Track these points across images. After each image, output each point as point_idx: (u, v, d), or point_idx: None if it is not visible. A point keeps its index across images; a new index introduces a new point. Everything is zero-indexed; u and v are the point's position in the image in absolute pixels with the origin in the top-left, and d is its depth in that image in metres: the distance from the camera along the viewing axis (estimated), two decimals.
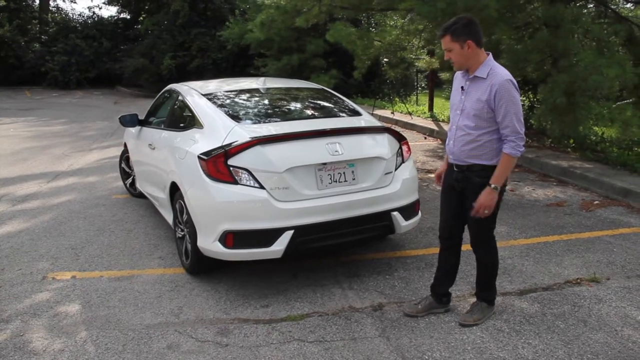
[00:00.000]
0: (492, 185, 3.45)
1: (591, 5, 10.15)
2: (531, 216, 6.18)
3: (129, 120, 6.47)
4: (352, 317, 3.96)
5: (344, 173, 4.40)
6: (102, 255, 5.29)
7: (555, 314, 3.92)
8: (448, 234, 3.89)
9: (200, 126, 4.80)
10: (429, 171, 8.60)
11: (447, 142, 3.77)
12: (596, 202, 6.64)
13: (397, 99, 16.98)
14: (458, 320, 3.87)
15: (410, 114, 14.28)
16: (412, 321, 3.87)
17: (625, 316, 3.89)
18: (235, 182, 4.15)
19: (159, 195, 5.56)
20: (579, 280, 4.46)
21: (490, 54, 3.54)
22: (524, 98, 12.14)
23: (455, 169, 3.71)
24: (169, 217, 5.32)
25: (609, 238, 5.45)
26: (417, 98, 18.02)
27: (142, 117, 6.58)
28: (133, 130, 6.81)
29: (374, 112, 14.58)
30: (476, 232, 3.73)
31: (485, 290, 3.89)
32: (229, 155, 4.20)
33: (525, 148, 9.04)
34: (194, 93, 5.39)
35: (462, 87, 3.63)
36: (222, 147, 4.26)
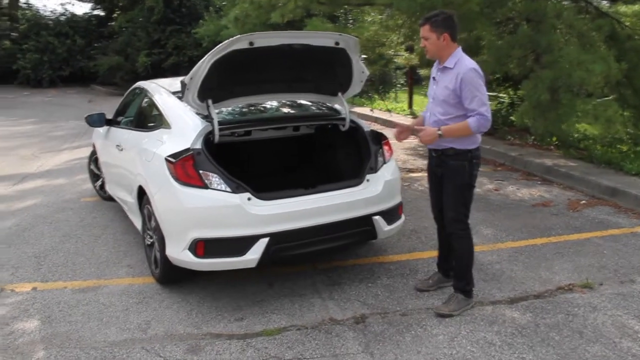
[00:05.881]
0: (439, 132, 3.66)
1: (567, 1, 9.97)
2: (517, 217, 5.97)
3: (96, 120, 6.14)
4: (332, 330, 3.69)
5: None
6: (66, 264, 4.96)
7: (549, 325, 3.69)
8: (437, 214, 4.10)
9: (167, 126, 4.50)
10: (410, 170, 8.37)
11: None
12: (583, 201, 6.45)
13: (376, 96, 16.74)
14: (433, 309, 3.91)
15: (389, 111, 14.05)
16: (397, 334, 3.62)
17: (622, 326, 3.67)
18: (206, 187, 3.86)
19: (127, 199, 5.25)
20: (571, 286, 4.25)
21: (460, 47, 3.78)
22: (505, 95, 12.00)
23: (433, 154, 3.96)
24: (137, 222, 5.01)
25: (598, 240, 5.26)
26: (396, 95, 17.80)
27: (110, 116, 6.26)
28: (101, 130, 6.48)
29: (353, 110, 14.34)
30: (450, 216, 3.88)
31: (460, 280, 3.96)
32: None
33: (508, 146, 8.99)
34: (162, 91, 5.09)
35: (433, 77, 3.90)
36: (190, 148, 3.97)
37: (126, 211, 5.60)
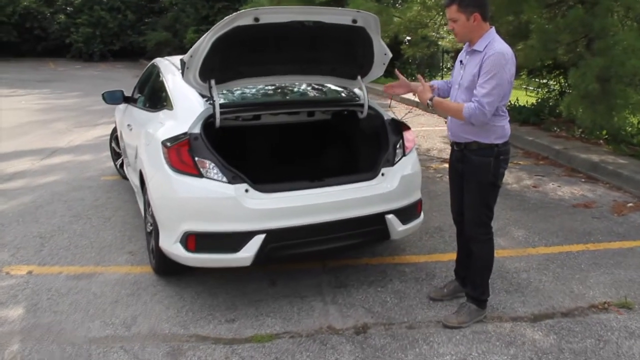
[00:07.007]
0: (429, 102, 3.40)
1: None
2: (554, 219, 5.44)
3: (113, 97, 5.90)
4: (328, 341, 3.33)
5: None
6: (68, 247, 4.76)
7: (575, 351, 3.21)
8: (458, 215, 3.72)
9: (170, 107, 4.20)
10: (445, 160, 7.87)
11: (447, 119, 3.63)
12: (630, 204, 5.84)
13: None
14: (441, 320, 3.54)
15: None
16: (399, 351, 3.23)
17: None
18: (200, 175, 3.54)
19: (135, 182, 5.01)
20: (606, 304, 3.74)
21: (493, 27, 3.33)
22: (554, 83, 11.29)
23: (455, 147, 3.59)
24: (142, 207, 4.75)
25: None
26: (442, 79, 17.18)
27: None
28: (121, 106, 6.27)
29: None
30: (471, 217, 3.51)
31: (475, 289, 3.58)
32: None
33: (553, 138, 8.36)
34: (173, 69, 4.78)
35: (461, 61, 3.48)
36: (187, 133, 3.65)
37: (136, 194, 5.38)
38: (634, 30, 6.93)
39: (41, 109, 12.78)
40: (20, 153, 8.31)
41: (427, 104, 3.38)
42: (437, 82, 3.79)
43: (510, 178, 6.84)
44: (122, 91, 5.98)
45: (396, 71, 3.87)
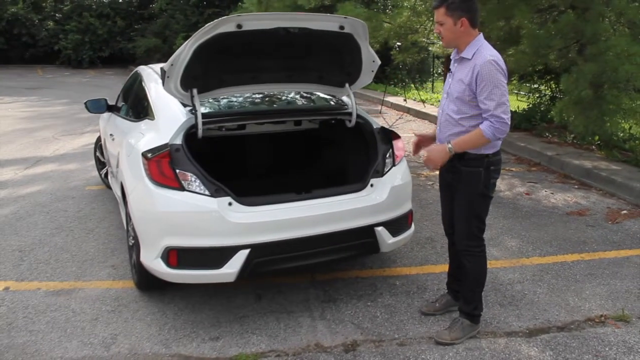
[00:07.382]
0: (449, 146, 3.20)
1: None
2: (548, 227, 5.33)
3: (97, 106, 5.76)
4: None
5: None
6: (49, 261, 4.60)
7: None
8: (449, 228, 3.60)
9: (152, 117, 4.06)
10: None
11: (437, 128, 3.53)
12: (624, 211, 5.75)
13: (412, 85, 16.05)
14: (433, 336, 3.42)
15: (423, 102, 13.38)
16: None
17: None
18: (182, 188, 3.40)
19: (118, 193, 4.86)
20: (602, 317, 3.62)
21: (481, 33, 3.24)
22: (546, 88, 11.23)
23: None
24: (124, 219, 4.61)
25: (639, 259, 4.60)
26: (432, 85, 17.05)
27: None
28: (105, 115, 6.13)
29: (385, 99, 13.73)
30: (462, 230, 3.39)
31: (468, 304, 3.45)
32: None
33: (545, 144, 8.28)
34: (156, 78, 4.64)
35: (449, 70, 3.40)
36: (168, 144, 3.51)
37: (119, 205, 5.23)
38: (626, 35, 6.86)
39: (28, 117, 12.60)
40: (3, 162, 8.14)
41: (449, 149, 3.20)
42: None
43: (502, 185, 6.73)
44: (105, 99, 5.85)
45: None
